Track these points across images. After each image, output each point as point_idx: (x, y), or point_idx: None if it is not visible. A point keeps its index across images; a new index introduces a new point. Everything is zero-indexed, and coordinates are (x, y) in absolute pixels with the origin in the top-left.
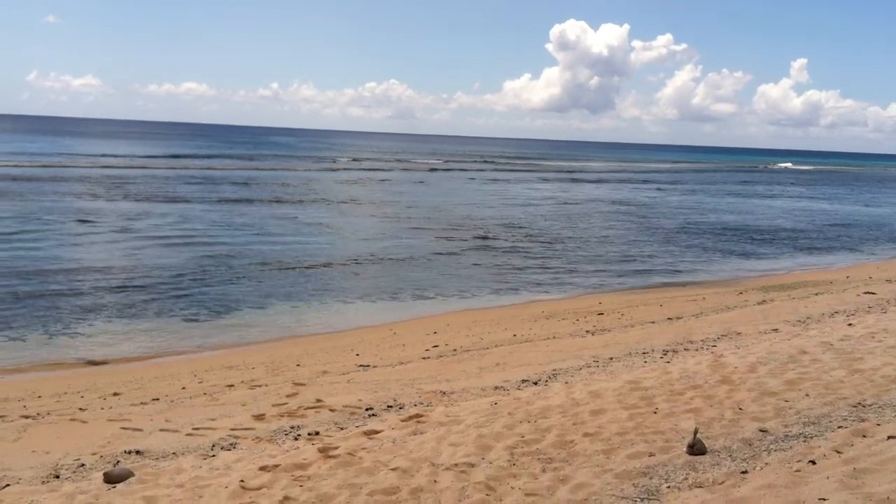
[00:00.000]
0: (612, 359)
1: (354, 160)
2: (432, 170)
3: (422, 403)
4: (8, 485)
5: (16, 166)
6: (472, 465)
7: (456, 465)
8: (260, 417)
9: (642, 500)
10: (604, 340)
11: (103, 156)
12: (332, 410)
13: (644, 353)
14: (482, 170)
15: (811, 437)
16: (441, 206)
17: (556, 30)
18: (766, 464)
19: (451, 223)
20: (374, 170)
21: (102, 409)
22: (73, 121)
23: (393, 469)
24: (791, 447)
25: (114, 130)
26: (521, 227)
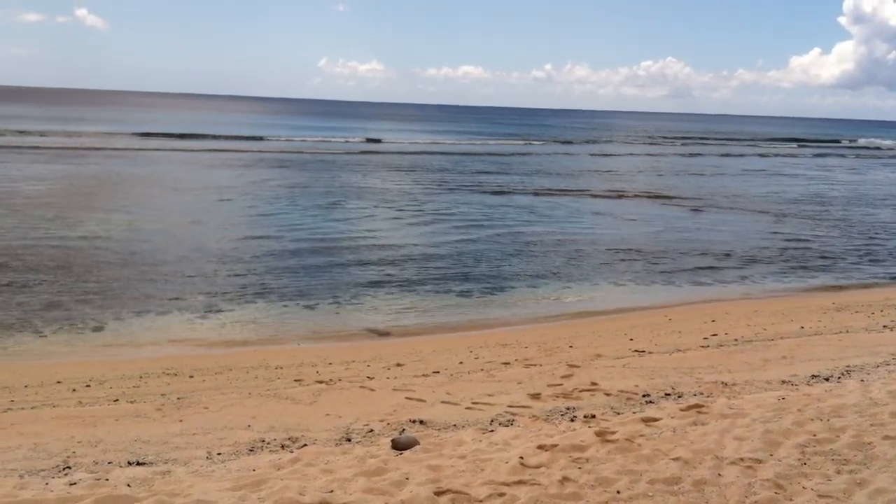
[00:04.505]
0: None
1: (628, 142)
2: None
3: (702, 393)
4: (305, 444)
5: (311, 153)
6: (759, 461)
7: (741, 459)
8: (536, 396)
9: None
10: None
11: (393, 142)
12: (607, 395)
13: None
14: (763, 155)
15: None
16: (734, 190)
17: (850, 2)
18: None
19: (741, 206)
20: (651, 155)
21: (388, 378)
22: (360, 104)
23: (674, 459)
24: None
25: (398, 113)
26: (812, 213)
